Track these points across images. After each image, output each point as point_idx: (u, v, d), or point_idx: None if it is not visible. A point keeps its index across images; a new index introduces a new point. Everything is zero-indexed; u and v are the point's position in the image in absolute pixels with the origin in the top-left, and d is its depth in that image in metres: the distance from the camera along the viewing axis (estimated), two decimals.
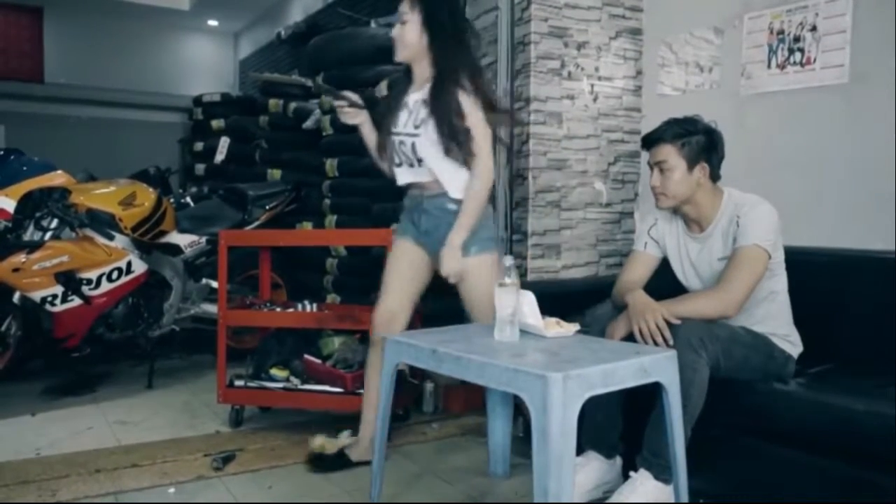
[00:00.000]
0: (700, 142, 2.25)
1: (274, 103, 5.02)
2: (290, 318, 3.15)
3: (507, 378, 1.68)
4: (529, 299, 2.02)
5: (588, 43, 3.35)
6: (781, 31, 2.93)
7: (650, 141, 2.31)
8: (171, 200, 4.28)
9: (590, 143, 3.38)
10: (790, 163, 2.91)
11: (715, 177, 2.28)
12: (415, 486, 2.49)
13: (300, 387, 3.01)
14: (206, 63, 10.03)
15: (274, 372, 3.10)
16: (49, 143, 7.50)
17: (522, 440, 2.72)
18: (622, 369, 1.74)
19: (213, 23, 9.79)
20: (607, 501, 2.10)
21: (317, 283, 4.35)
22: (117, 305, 3.55)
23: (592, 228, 3.42)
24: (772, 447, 2.08)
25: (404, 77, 2.54)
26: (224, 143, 5.87)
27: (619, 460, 2.31)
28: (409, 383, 3.17)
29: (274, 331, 3.25)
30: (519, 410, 2.54)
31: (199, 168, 6.21)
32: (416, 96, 2.44)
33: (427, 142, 2.38)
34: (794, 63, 2.88)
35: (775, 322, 2.27)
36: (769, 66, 2.98)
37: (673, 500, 1.99)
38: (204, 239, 3.93)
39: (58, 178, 3.47)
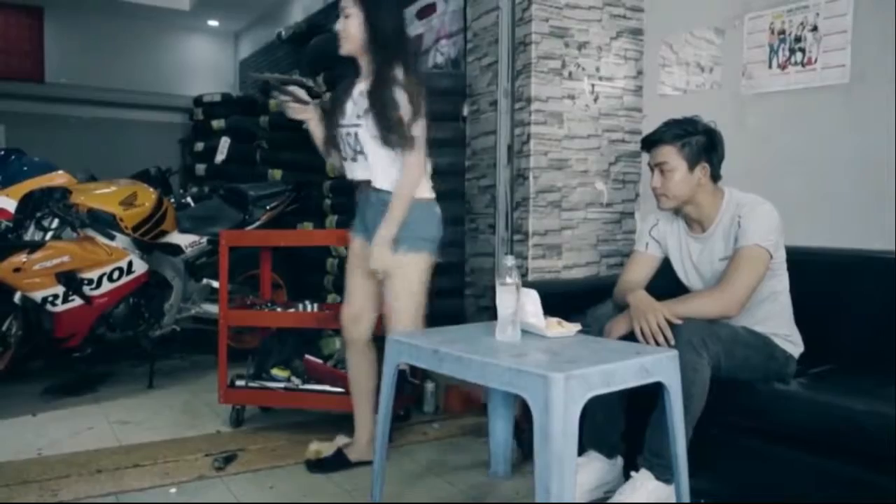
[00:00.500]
0: (700, 142, 2.25)
1: (274, 103, 5.00)
2: (291, 318, 3.14)
3: (509, 378, 1.68)
4: (533, 297, 2.03)
5: (589, 43, 3.35)
6: (782, 32, 2.93)
7: (650, 142, 2.32)
8: (172, 201, 4.28)
9: (591, 143, 3.38)
10: (791, 163, 2.91)
11: (716, 177, 2.28)
12: (416, 486, 2.49)
13: (301, 387, 3.01)
14: (206, 63, 10.02)
15: (275, 372, 3.10)
16: (49, 143, 7.50)
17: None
18: (624, 369, 1.74)
19: (213, 23, 9.79)
20: (608, 501, 2.11)
21: (317, 283, 4.35)
22: (118, 305, 3.55)
23: (593, 228, 3.42)
24: (773, 447, 2.07)
25: (351, 70, 2.56)
26: (224, 143, 5.87)
27: (620, 460, 2.31)
28: (409, 383, 3.17)
29: (275, 331, 3.25)
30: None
31: (200, 168, 6.21)
32: (361, 87, 2.47)
33: (367, 133, 2.42)
34: (795, 63, 2.88)
35: (776, 322, 2.27)
36: (770, 66, 2.98)
37: (674, 500, 1.99)
38: (205, 239, 3.93)
39: (59, 178, 3.48)
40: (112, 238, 3.40)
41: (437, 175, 3.62)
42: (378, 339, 2.68)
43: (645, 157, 2.41)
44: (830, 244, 2.65)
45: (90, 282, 3.33)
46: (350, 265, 2.64)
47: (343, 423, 2.73)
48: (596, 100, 3.39)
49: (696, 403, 2.01)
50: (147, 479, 2.50)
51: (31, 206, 3.36)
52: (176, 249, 3.84)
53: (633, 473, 2.11)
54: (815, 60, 2.82)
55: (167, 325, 3.85)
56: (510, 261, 1.98)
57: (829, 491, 1.93)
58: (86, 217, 3.36)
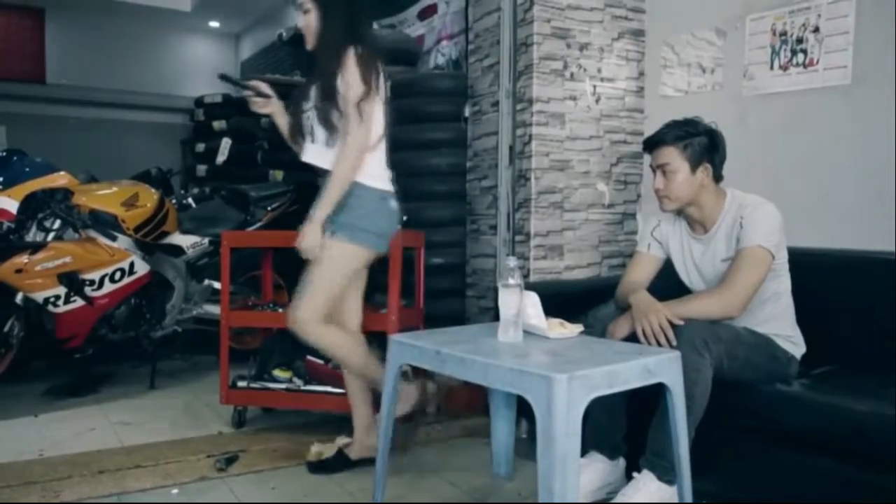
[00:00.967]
0: (702, 143, 2.25)
1: None
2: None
3: (512, 379, 1.68)
4: (534, 300, 2.03)
5: (590, 44, 3.36)
6: (784, 33, 2.93)
7: (652, 144, 2.32)
8: (173, 201, 4.28)
9: (592, 144, 3.38)
10: (793, 164, 2.91)
11: (717, 177, 2.29)
12: (418, 486, 2.49)
13: (303, 388, 3.01)
14: (207, 64, 10.01)
15: (277, 373, 3.10)
16: (50, 144, 7.49)
17: (526, 441, 2.72)
18: (626, 370, 1.74)
19: (214, 24, 9.79)
20: (611, 502, 2.10)
21: None
22: (120, 306, 3.55)
23: (595, 229, 3.42)
24: (775, 448, 2.07)
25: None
26: (225, 144, 5.88)
27: (622, 461, 2.31)
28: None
29: (276, 332, 3.25)
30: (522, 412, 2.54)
31: (201, 169, 6.23)
32: None
33: (316, 117, 2.44)
34: (797, 64, 2.88)
35: (778, 323, 2.27)
36: (772, 67, 2.98)
37: (676, 501, 1.99)
38: (206, 240, 3.93)
39: (60, 179, 3.47)
40: (114, 239, 3.40)
41: (439, 176, 3.69)
42: (367, 334, 2.70)
43: (647, 157, 2.41)
44: (833, 245, 2.65)
45: (92, 282, 3.33)
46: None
47: (344, 423, 2.73)
48: (597, 101, 3.39)
49: (698, 404, 2.01)
50: (149, 480, 2.50)
51: (33, 206, 3.36)
52: (177, 250, 3.84)
53: (635, 474, 2.11)
54: (817, 62, 2.82)
55: (169, 325, 3.85)
56: (512, 262, 1.98)
57: (831, 492, 1.93)
58: (87, 218, 3.36)
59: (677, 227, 2.41)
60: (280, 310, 3.20)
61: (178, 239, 3.84)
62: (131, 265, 3.48)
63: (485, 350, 1.87)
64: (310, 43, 2.48)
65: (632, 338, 2.13)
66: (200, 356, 4.33)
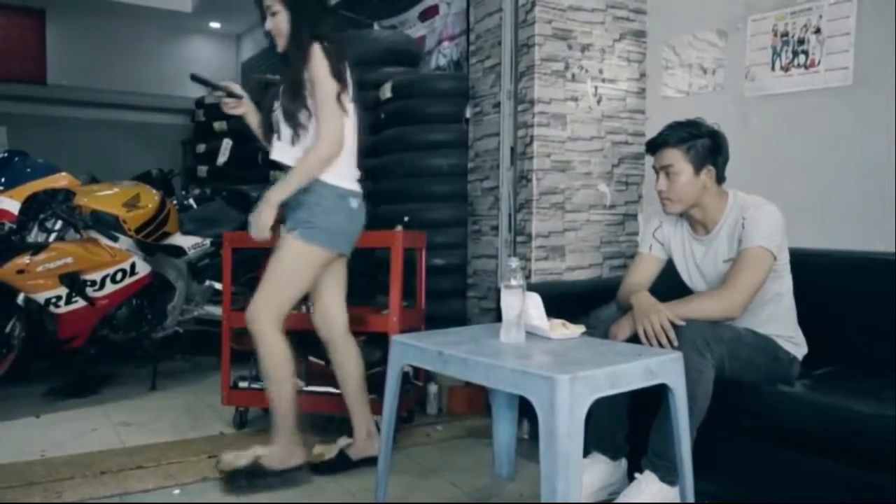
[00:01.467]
0: (705, 145, 2.25)
1: None
2: (295, 319, 3.14)
3: (514, 380, 1.68)
4: (536, 301, 2.03)
5: (592, 45, 3.36)
6: (785, 34, 2.93)
7: (655, 145, 2.31)
8: (174, 202, 4.28)
9: (594, 145, 3.39)
10: (794, 165, 2.91)
11: (720, 179, 2.29)
12: (420, 487, 2.49)
13: (304, 389, 3.01)
14: (208, 65, 10.02)
15: None
16: (51, 145, 7.51)
17: (527, 442, 2.72)
18: (629, 371, 1.74)
19: (215, 25, 9.81)
20: (613, 503, 2.10)
21: None
22: (121, 307, 3.55)
23: (596, 230, 3.42)
24: (777, 449, 2.07)
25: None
26: (226, 144, 5.88)
27: (624, 462, 2.31)
28: (412, 385, 3.18)
29: None
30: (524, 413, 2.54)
31: (202, 170, 6.23)
32: None
33: (281, 115, 2.44)
34: (799, 65, 2.88)
35: (780, 324, 2.27)
36: (773, 68, 2.98)
37: (678, 502, 1.99)
38: (207, 241, 3.94)
39: (62, 179, 3.48)
40: (115, 240, 3.40)
41: (441, 177, 3.69)
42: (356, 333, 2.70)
43: (648, 159, 2.41)
44: (835, 246, 2.65)
45: (93, 283, 3.33)
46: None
47: (346, 424, 2.73)
48: (599, 102, 3.39)
49: (700, 405, 2.01)
50: (150, 481, 2.50)
51: (35, 207, 3.37)
52: (179, 251, 3.85)
53: (637, 475, 2.11)
54: (819, 62, 2.82)
55: (170, 326, 3.85)
56: (515, 263, 1.98)
57: (832, 492, 1.93)
58: (89, 219, 3.36)
59: (679, 228, 2.41)
60: None
61: (179, 240, 3.85)
62: (132, 266, 3.48)
63: (487, 351, 1.87)
64: (280, 45, 2.47)
65: (634, 339, 2.13)
66: (202, 357, 4.33)
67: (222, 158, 5.87)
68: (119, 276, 3.42)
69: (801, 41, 2.88)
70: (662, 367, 1.82)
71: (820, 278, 2.44)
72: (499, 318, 2.07)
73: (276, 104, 2.49)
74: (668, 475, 2.03)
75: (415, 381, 3.22)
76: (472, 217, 3.63)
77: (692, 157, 2.24)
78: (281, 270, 2.43)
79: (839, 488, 1.92)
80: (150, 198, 3.67)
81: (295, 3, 2.41)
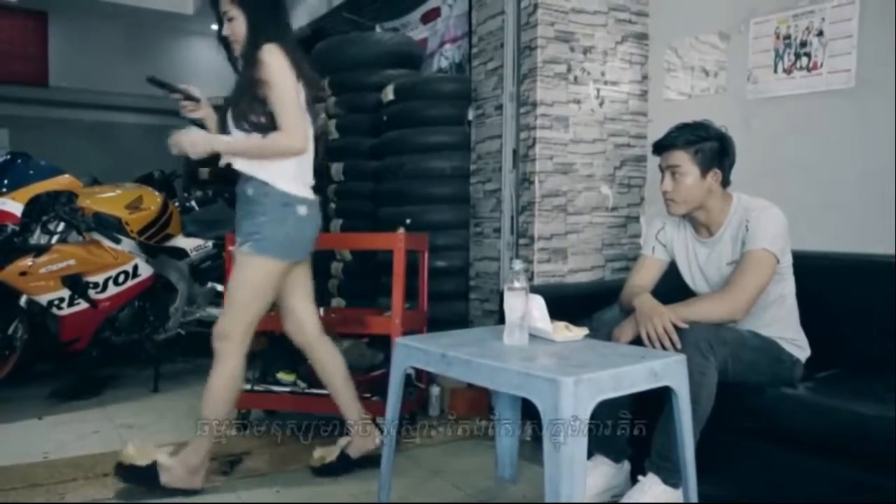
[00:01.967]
0: (713, 148, 2.25)
1: None
2: None
3: (519, 382, 1.69)
4: (539, 303, 2.03)
5: (594, 47, 3.36)
6: (788, 36, 2.93)
7: (662, 146, 2.31)
8: (176, 204, 4.29)
9: (596, 148, 3.39)
10: (797, 167, 2.92)
11: (725, 182, 2.28)
12: (423, 489, 2.49)
13: (307, 391, 3.02)
14: (210, 67, 10.00)
15: (280, 376, 3.10)
16: (53, 147, 7.53)
17: (530, 444, 2.72)
18: (633, 373, 1.75)
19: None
20: None
21: (321, 287, 4.35)
22: (123, 309, 3.56)
23: (598, 232, 3.42)
24: (780, 451, 2.07)
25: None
26: None
27: (627, 464, 2.31)
28: (415, 387, 3.18)
29: (280, 334, 3.25)
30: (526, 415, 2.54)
31: (203, 172, 6.23)
32: None
33: (231, 118, 2.40)
34: (801, 68, 2.89)
35: (783, 326, 2.27)
36: (776, 70, 2.98)
37: None
38: (209, 242, 3.94)
39: (65, 181, 3.48)
40: (117, 242, 3.41)
41: (443, 179, 3.69)
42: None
43: (651, 161, 2.42)
44: (837, 248, 2.65)
45: (95, 285, 3.33)
46: None
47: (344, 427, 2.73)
48: (601, 104, 3.40)
49: (703, 407, 2.01)
50: None
51: (38, 209, 3.36)
52: (181, 253, 3.85)
53: (640, 477, 2.11)
54: (821, 65, 2.83)
55: (172, 328, 3.85)
56: (518, 265, 1.98)
57: (836, 494, 1.93)
58: (91, 221, 3.36)
59: (682, 230, 2.41)
60: None
61: (181, 242, 3.85)
62: (135, 268, 3.48)
63: (491, 353, 1.88)
64: (237, 50, 2.44)
65: (637, 342, 2.13)
66: (203, 359, 4.29)
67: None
68: (121, 278, 3.43)
69: (803, 44, 2.88)
70: (666, 370, 1.83)
71: (823, 280, 2.44)
72: (501, 321, 2.07)
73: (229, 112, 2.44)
74: (671, 477, 2.03)
75: (417, 383, 3.22)
76: (474, 219, 3.63)
77: (699, 159, 2.24)
78: (240, 289, 2.38)
79: (842, 490, 1.92)
80: (153, 200, 3.67)
81: (252, 7, 2.38)
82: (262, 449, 2.85)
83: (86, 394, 3.65)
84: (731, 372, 2.07)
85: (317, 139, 2.49)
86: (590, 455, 2.24)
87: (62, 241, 3.38)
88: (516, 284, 1.95)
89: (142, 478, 2.36)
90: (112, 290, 3.40)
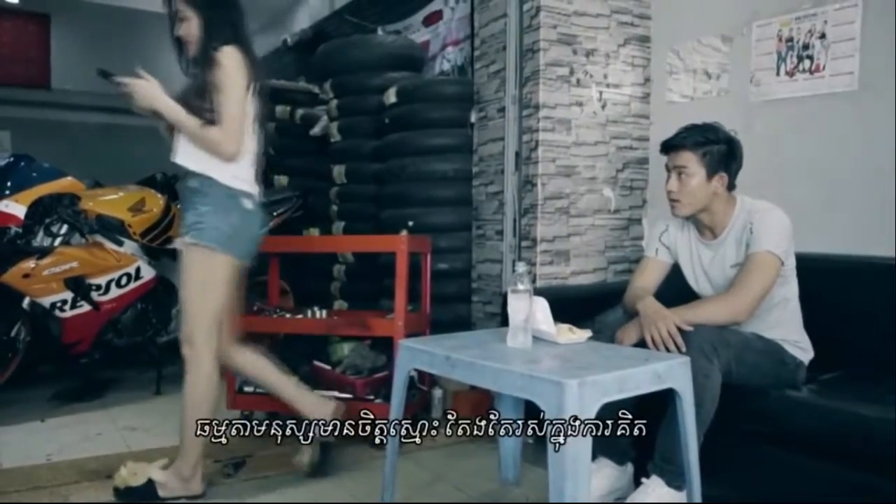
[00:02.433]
0: (721, 151, 2.25)
1: (281, 110, 5.04)
2: (300, 324, 3.15)
3: (523, 384, 1.69)
4: (543, 305, 2.03)
5: (597, 50, 3.36)
6: (790, 39, 2.93)
7: (670, 146, 2.31)
8: (179, 207, 4.29)
9: (598, 150, 3.39)
10: (799, 170, 2.92)
11: (731, 186, 2.29)
12: (425, 491, 2.49)
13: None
14: None
15: None
16: (55, 150, 7.52)
17: (533, 446, 2.72)
18: (637, 375, 1.75)
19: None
20: None
21: (324, 289, 4.36)
22: (126, 311, 3.57)
23: (601, 235, 3.42)
24: (783, 453, 2.07)
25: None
26: None
27: (630, 467, 2.31)
28: (417, 389, 3.18)
29: (283, 337, 3.26)
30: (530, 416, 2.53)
31: None
32: None
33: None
34: (803, 70, 2.89)
35: (786, 328, 2.27)
36: (778, 73, 2.98)
37: None
38: None
39: (67, 184, 3.48)
40: (120, 244, 3.42)
41: (445, 181, 3.69)
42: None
43: (653, 163, 2.42)
44: (840, 251, 2.65)
45: (98, 287, 3.34)
46: None
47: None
48: (604, 107, 3.40)
49: (707, 410, 2.01)
50: None
51: (41, 212, 3.37)
52: None
53: (643, 480, 2.11)
54: (823, 68, 2.83)
55: (174, 330, 3.85)
56: (522, 267, 1.98)
57: (839, 497, 1.92)
58: (94, 223, 3.37)
59: (686, 232, 2.41)
60: (286, 315, 3.21)
61: None
62: (137, 270, 3.49)
63: (495, 355, 1.88)
64: (191, 51, 2.44)
65: (640, 344, 2.13)
66: None
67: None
68: (124, 280, 3.43)
69: (805, 46, 2.88)
70: (670, 372, 1.83)
71: (826, 283, 2.44)
72: (505, 323, 2.07)
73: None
74: (675, 480, 2.03)
75: (419, 385, 3.22)
76: (476, 222, 3.64)
77: (707, 162, 2.24)
78: (191, 287, 2.32)
79: (845, 492, 1.92)
80: (155, 202, 3.68)
81: (206, 8, 2.39)
82: (264, 451, 2.85)
83: (88, 396, 3.65)
84: (735, 374, 2.07)
85: (262, 156, 2.46)
86: (593, 457, 2.24)
87: (65, 243, 3.39)
88: (520, 287, 1.95)
89: (141, 497, 2.34)
90: (115, 292, 3.41)
